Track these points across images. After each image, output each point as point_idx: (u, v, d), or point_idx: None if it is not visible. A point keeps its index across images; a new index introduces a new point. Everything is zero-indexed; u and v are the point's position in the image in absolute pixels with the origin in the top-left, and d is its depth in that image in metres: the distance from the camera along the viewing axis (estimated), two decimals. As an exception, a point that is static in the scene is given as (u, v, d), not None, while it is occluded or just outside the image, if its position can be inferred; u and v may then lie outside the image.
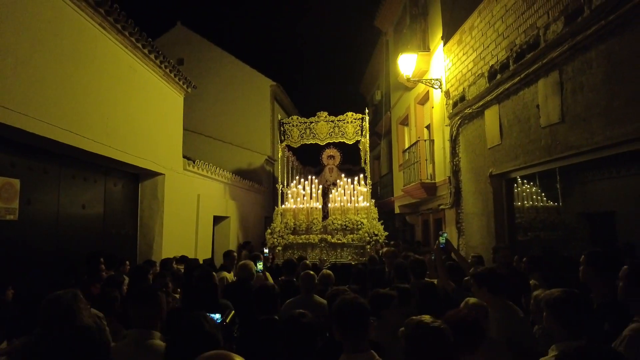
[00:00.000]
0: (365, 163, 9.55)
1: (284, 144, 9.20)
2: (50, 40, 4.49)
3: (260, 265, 5.15)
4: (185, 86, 8.20)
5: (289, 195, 8.96)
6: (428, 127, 9.48)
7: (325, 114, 9.20)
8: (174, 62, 8.08)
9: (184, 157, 8.43)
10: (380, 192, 14.87)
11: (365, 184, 8.95)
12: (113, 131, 5.69)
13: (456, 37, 7.18)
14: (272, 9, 40.48)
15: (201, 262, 6.87)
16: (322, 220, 8.58)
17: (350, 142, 9.07)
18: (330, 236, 8.20)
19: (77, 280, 3.97)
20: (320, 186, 9.54)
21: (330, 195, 9.12)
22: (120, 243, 6.60)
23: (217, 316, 2.48)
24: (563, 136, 4.45)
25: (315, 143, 9.23)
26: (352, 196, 8.79)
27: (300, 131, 9.15)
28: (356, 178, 9.15)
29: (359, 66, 26.56)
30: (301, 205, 8.69)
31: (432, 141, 8.84)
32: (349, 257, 8.06)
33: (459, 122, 7.08)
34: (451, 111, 7.31)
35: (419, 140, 9.11)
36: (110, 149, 5.61)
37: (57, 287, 2.47)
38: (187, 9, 34.41)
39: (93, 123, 5.25)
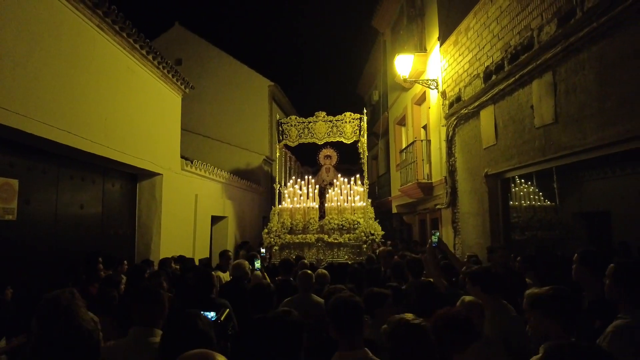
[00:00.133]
0: (362, 163, 9.57)
1: (282, 143, 9.22)
2: (48, 41, 4.52)
3: (258, 264, 5.19)
4: (183, 86, 8.23)
5: (286, 195, 8.98)
6: (425, 127, 9.52)
7: (324, 114, 9.20)
8: (172, 62, 8.10)
9: (182, 157, 8.45)
10: (378, 192, 14.91)
11: (362, 183, 8.98)
12: (111, 132, 5.72)
13: (452, 38, 7.22)
14: (270, 9, 40.51)
15: (197, 262, 6.91)
16: (319, 220, 8.60)
17: (349, 142, 9.08)
18: (327, 236, 8.22)
19: (75, 280, 4.00)
20: (317, 186, 9.56)
21: (327, 195, 9.14)
22: (118, 243, 6.63)
23: (211, 314, 2.52)
24: (556, 137, 4.49)
25: (313, 143, 9.25)
26: (349, 196, 8.82)
27: (299, 131, 9.16)
28: (352, 178, 9.17)
29: (357, 66, 26.62)
30: (298, 205, 8.72)
31: (428, 141, 8.88)
32: (346, 257, 8.09)
33: (455, 123, 7.12)
34: (447, 111, 7.36)
35: (415, 141, 9.16)
36: (108, 150, 5.64)
37: (55, 286, 2.49)
38: (185, 9, 34.47)
39: (91, 124, 5.28)
